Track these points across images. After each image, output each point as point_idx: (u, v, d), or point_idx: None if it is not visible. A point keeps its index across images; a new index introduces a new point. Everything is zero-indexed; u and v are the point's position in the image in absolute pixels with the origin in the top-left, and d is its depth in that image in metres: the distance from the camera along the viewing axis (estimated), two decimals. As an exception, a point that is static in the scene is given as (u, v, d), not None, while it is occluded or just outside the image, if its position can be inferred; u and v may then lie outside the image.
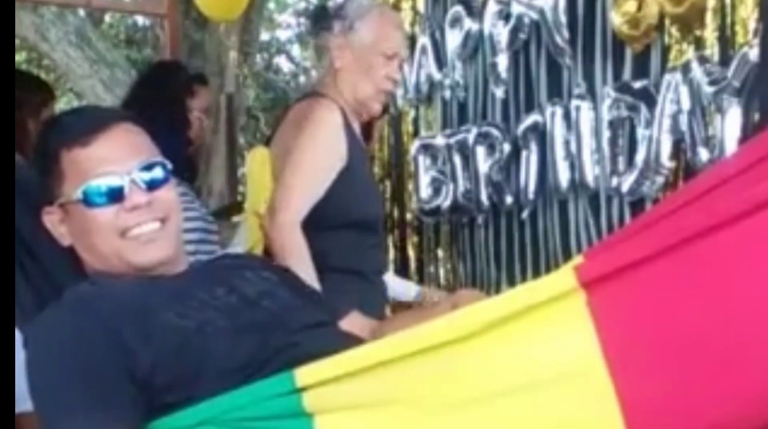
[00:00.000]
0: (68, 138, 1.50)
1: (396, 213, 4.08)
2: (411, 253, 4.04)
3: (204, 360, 1.35)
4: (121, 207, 1.48)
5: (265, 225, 2.36)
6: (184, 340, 1.37)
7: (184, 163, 2.83)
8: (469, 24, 3.64)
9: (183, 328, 1.39)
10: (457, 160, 3.67)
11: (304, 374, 1.22)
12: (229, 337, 1.39)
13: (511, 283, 3.44)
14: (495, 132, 3.50)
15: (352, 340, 1.48)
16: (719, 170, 1.45)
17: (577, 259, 1.58)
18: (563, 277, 1.15)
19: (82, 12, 7.97)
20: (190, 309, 1.43)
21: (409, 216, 4.04)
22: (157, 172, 1.52)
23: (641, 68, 2.94)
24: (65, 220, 1.52)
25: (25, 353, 1.37)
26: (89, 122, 1.53)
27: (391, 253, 4.05)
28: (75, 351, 1.34)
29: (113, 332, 1.35)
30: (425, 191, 3.84)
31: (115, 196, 1.47)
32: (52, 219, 1.53)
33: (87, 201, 1.47)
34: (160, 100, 2.90)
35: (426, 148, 3.85)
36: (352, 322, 1.62)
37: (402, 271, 3.94)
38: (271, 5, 11.09)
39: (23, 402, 1.39)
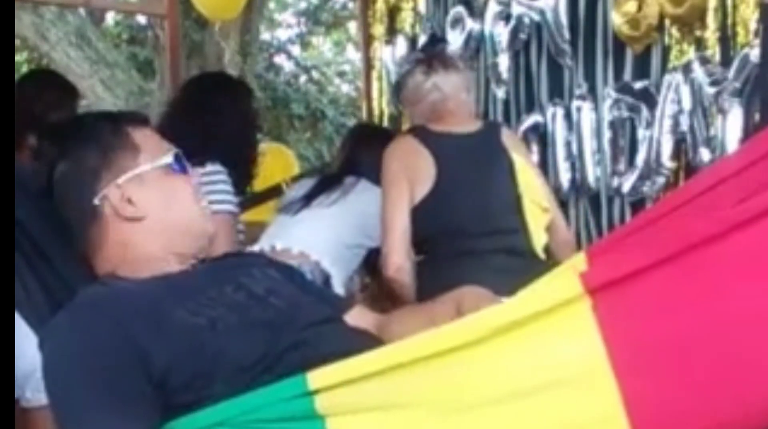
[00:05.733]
0: (128, 120, 1.59)
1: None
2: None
3: (217, 358, 1.35)
4: (187, 179, 1.59)
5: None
6: (197, 338, 1.37)
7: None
8: (470, 24, 3.65)
9: (195, 325, 1.39)
10: (459, 159, 3.68)
11: (316, 377, 1.23)
12: (239, 334, 1.39)
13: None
14: (496, 132, 3.51)
15: (359, 336, 1.49)
16: (719, 168, 1.46)
17: (578, 257, 1.60)
18: (569, 284, 1.15)
19: (82, 12, 7.98)
20: (201, 306, 1.42)
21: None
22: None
23: (642, 69, 2.96)
24: (138, 192, 1.53)
25: (40, 356, 1.38)
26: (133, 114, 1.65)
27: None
28: (91, 353, 1.34)
29: (128, 333, 1.35)
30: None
31: (185, 168, 1.59)
32: (115, 195, 1.52)
33: (174, 166, 1.56)
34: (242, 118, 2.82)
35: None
36: (358, 315, 1.64)
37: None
38: (271, 5, 11.09)
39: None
